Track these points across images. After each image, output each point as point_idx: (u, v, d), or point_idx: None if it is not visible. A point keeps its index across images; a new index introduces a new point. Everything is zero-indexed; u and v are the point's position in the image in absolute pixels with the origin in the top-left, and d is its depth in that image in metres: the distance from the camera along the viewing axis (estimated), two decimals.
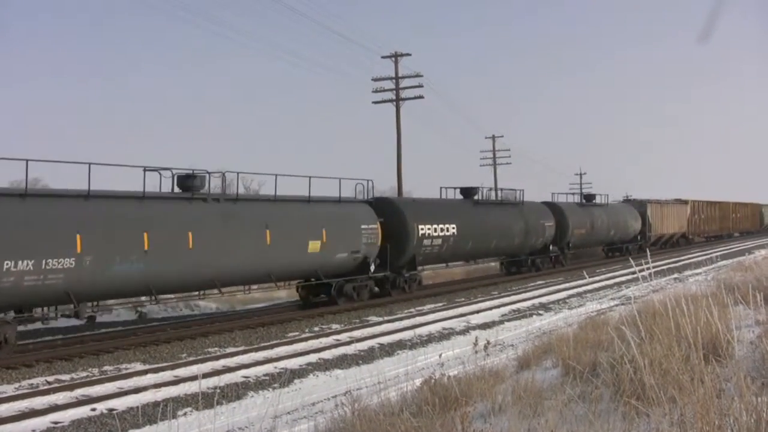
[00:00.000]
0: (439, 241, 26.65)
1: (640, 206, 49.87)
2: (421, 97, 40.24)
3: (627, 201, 53.52)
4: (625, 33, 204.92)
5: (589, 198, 45.20)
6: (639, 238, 48.51)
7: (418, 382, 8.27)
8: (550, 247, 36.45)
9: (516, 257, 34.60)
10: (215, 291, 19.19)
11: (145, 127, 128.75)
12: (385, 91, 40.46)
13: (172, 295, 20.20)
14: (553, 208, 37.19)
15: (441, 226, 26.66)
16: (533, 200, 37.00)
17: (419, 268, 26.65)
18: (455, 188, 31.07)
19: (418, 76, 40.29)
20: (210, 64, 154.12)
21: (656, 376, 6.08)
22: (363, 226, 23.27)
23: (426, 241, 25.98)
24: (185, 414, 11.22)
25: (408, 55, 40.54)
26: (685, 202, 57.98)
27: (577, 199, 45.27)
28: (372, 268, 23.77)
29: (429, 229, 26.02)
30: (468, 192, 31.08)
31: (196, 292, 19.49)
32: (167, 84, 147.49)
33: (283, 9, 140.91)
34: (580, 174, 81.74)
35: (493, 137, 62.72)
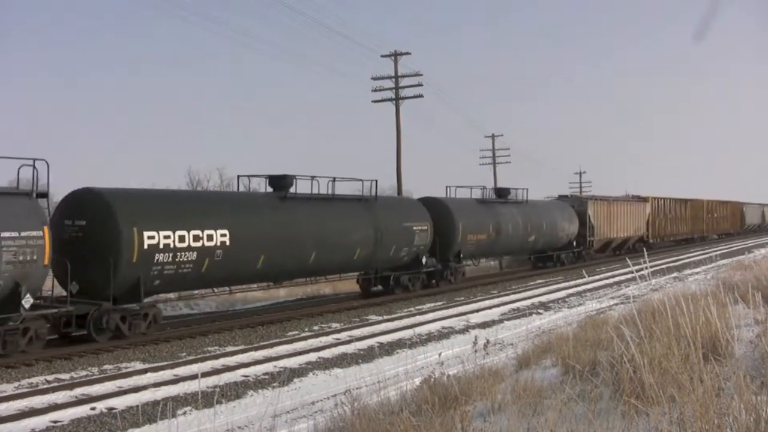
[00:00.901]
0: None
1: (580, 204, 39.98)
2: (420, 96, 40.20)
3: (563, 198, 42.45)
4: (625, 33, 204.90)
5: (501, 193, 33.40)
6: (576, 244, 38.67)
7: (417, 381, 8.28)
8: (424, 260, 26.06)
9: (367, 275, 25.05)
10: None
11: (144, 127, 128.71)
12: (384, 90, 40.42)
13: (172, 295, 20.30)
14: (431, 205, 26.94)
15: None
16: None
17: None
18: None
19: (417, 75, 40.24)
20: (209, 63, 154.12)
21: (656, 375, 6.08)
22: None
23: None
24: (185, 413, 11.22)
25: (408, 54, 40.49)
26: (645, 199, 49.23)
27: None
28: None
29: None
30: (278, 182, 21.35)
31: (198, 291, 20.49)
32: (167, 84, 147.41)
33: (283, 9, 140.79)
34: (580, 173, 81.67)
35: (493, 136, 62.61)
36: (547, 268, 36.49)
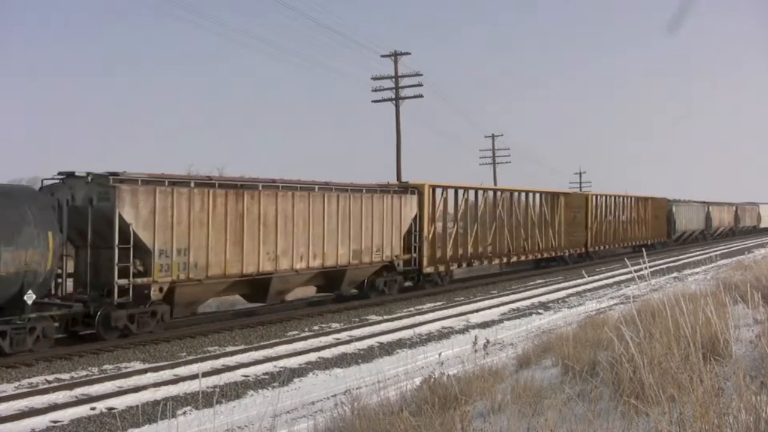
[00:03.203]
0: None
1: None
2: (420, 96, 40.24)
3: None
4: (625, 33, 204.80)
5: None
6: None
7: (417, 381, 8.28)
8: None
9: None
10: None
11: (144, 126, 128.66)
12: (384, 90, 40.45)
13: None
14: None
15: None
16: None
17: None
18: None
19: (417, 75, 40.27)
20: (209, 63, 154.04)
21: (655, 375, 6.08)
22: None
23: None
24: (185, 413, 11.22)
25: (408, 54, 40.54)
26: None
27: None
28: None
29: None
30: None
31: None
32: (166, 83, 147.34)
33: (283, 8, 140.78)
34: (580, 173, 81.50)
35: (493, 136, 62.69)
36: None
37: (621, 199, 46.89)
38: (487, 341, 10.49)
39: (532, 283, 30.54)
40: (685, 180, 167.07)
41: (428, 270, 26.72)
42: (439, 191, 28.15)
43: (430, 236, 26.98)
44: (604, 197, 44.24)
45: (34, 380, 13.24)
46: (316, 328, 19.16)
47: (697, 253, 45.34)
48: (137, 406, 11.16)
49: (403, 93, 40.29)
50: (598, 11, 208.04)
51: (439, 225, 28.68)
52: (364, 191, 23.70)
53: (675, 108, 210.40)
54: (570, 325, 13.26)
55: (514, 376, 8.92)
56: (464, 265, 29.65)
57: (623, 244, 46.40)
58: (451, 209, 29.28)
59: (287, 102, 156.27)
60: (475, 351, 9.73)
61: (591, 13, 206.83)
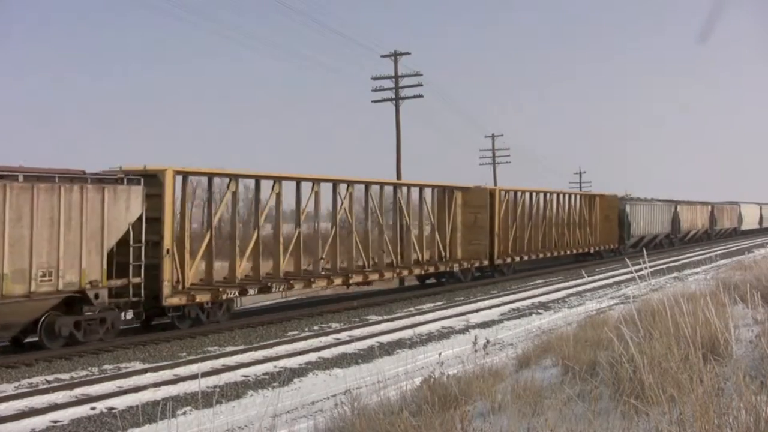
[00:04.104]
0: None
1: None
2: (420, 96, 40.20)
3: None
4: (626, 33, 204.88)
5: None
6: None
7: (417, 381, 8.27)
8: None
9: None
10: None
11: (144, 126, 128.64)
12: (384, 90, 40.44)
13: None
14: None
15: None
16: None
17: None
18: None
19: (417, 75, 40.23)
20: (209, 63, 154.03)
21: (655, 375, 6.07)
22: None
23: None
24: (185, 413, 11.22)
25: (407, 54, 40.49)
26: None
27: None
28: None
29: None
30: None
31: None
32: (166, 83, 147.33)
33: (283, 8, 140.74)
34: (580, 173, 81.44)
35: (493, 136, 62.70)
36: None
37: (553, 196, 37.97)
38: (487, 341, 10.48)
39: (532, 283, 30.54)
40: (685, 181, 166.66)
41: (173, 301, 17.53)
42: (194, 180, 22.42)
43: (187, 247, 18.57)
44: (522, 193, 34.77)
45: (34, 380, 13.24)
46: (316, 328, 19.16)
47: (698, 252, 45.32)
48: (137, 406, 11.15)
49: (403, 93, 40.28)
50: (599, 11, 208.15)
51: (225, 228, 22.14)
52: (20, 178, 14.45)
53: (675, 108, 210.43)
54: (570, 325, 13.27)
55: (514, 376, 8.91)
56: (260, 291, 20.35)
57: (557, 252, 37.19)
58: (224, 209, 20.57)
59: (287, 102, 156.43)
60: (475, 351, 9.72)
61: (591, 13, 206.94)
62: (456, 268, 28.72)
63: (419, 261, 27.53)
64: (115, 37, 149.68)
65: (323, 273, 22.45)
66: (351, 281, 23.39)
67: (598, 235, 42.46)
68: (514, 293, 26.70)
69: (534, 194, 36.37)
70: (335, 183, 23.46)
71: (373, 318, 20.84)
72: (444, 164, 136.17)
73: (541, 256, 35.74)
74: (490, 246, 30.74)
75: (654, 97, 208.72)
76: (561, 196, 39.52)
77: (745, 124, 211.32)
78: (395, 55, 40.33)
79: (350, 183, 24.18)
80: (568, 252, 38.87)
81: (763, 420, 4.77)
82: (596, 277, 31.22)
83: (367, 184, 25.30)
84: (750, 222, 77.61)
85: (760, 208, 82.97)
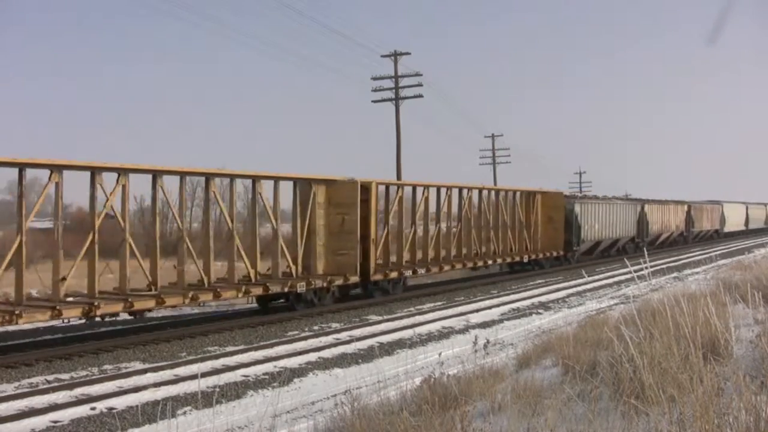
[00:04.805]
0: None
1: None
2: (420, 96, 40.30)
3: None
4: (626, 33, 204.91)
5: None
6: None
7: (417, 381, 8.27)
8: None
9: None
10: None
11: (144, 126, 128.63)
12: (384, 90, 40.50)
13: None
14: None
15: None
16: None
17: None
18: None
19: (417, 75, 40.33)
20: (209, 63, 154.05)
21: (655, 375, 6.07)
22: None
23: None
24: (185, 413, 11.22)
25: (407, 54, 40.61)
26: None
27: None
28: None
29: None
30: None
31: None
32: (166, 83, 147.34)
33: (283, 8, 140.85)
34: (580, 173, 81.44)
35: (493, 136, 62.82)
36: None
37: (471, 192, 30.51)
38: (487, 341, 10.49)
39: (532, 283, 30.53)
40: (685, 181, 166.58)
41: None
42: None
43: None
44: (425, 189, 27.47)
45: (34, 380, 13.24)
46: (316, 328, 19.16)
47: (698, 253, 45.32)
48: (137, 406, 11.14)
49: (403, 93, 40.36)
50: (599, 11, 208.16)
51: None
52: None
53: (675, 108, 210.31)
54: (570, 325, 13.27)
55: (514, 376, 8.91)
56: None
57: (479, 263, 30.20)
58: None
59: (287, 102, 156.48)
60: (475, 351, 9.73)
61: (591, 13, 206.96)
62: (302, 288, 21.00)
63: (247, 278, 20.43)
64: (115, 37, 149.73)
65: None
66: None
67: (539, 241, 35.81)
68: (514, 293, 26.69)
69: (441, 190, 28.49)
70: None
71: (373, 318, 20.84)
72: (444, 164, 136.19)
73: (447, 268, 28.31)
74: (362, 257, 23.44)
75: (654, 97, 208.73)
76: (485, 192, 32.08)
77: (746, 124, 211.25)
78: (395, 55, 40.38)
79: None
80: (496, 261, 31.98)
81: (763, 420, 4.77)
82: (596, 277, 31.23)
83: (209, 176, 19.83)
84: (734, 223, 71.25)
85: (747, 208, 75.35)
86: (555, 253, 36.46)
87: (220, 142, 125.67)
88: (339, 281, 22.49)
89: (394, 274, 24.95)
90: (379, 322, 19.84)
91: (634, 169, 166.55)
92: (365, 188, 23.72)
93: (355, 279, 23.06)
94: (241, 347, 16.28)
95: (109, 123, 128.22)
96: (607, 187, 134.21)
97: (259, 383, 13.20)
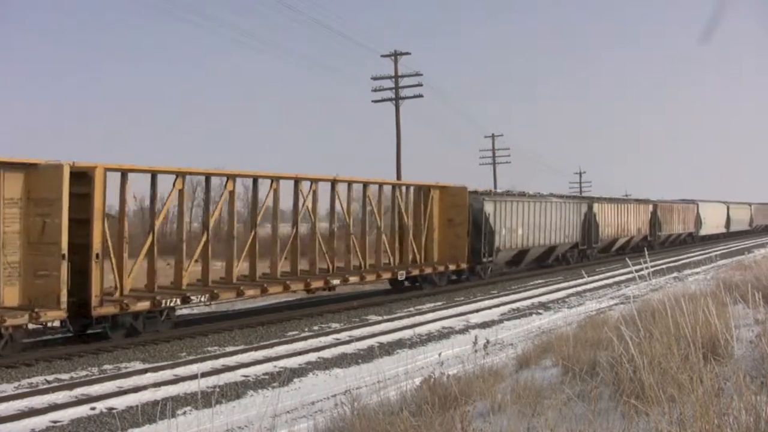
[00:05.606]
0: None
1: None
2: (420, 96, 40.31)
3: None
4: (625, 33, 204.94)
5: None
6: None
7: (417, 381, 8.26)
8: None
9: None
10: None
11: (144, 126, 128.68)
12: (384, 90, 40.51)
13: None
14: None
15: None
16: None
17: None
18: None
19: (417, 74, 40.33)
20: (209, 63, 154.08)
21: (655, 375, 6.07)
22: None
23: None
24: (184, 413, 11.22)
25: (407, 54, 40.61)
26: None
27: None
28: None
29: None
30: None
31: None
32: (166, 83, 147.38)
33: (283, 8, 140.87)
34: (580, 173, 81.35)
35: (493, 136, 62.80)
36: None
37: (316, 186, 22.06)
38: (487, 341, 10.48)
39: (532, 283, 30.55)
40: (686, 181, 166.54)
41: None
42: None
43: None
44: (230, 179, 19.64)
45: (34, 380, 13.24)
46: (316, 328, 19.16)
47: (697, 252, 45.31)
48: (137, 406, 11.15)
49: (403, 93, 40.37)
50: (599, 11, 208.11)
51: None
52: None
53: (675, 108, 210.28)
54: (570, 325, 13.26)
55: (514, 376, 8.91)
56: None
57: (334, 281, 22.07)
58: None
59: (286, 102, 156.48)
60: (475, 351, 9.72)
61: (591, 13, 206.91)
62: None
63: None
64: (114, 38, 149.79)
65: None
66: None
67: (435, 250, 27.68)
68: (514, 293, 26.70)
69: (273, 181, 20.60)
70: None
71: (373, 318, 20.84)
72: (444, 164, 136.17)
73: (287, 291, 20.97)
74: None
75: (654, 97, 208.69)
76: (350, 186, 23.85)
77: (746, 125, 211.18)
78: (395, 55, 40.38)
79: None
80: (362, 278, 23.64)
81: (763, 420, 4.76)
82: (596, 277, 31.24)
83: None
84: (713, 225, 61.81)
85: (727, 208, 65.63)
86: (458, 266, 27.85)
87: (217, 141, 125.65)
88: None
89: (168, 303, 17.26)
90: (379, 322, 19.84)
91: (635, 169, 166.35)
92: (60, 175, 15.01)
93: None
94: (241, 347, 16.28)
95: (107, 122, 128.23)
96: (608, 187, 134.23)
97: (259, 383, 13.20)
